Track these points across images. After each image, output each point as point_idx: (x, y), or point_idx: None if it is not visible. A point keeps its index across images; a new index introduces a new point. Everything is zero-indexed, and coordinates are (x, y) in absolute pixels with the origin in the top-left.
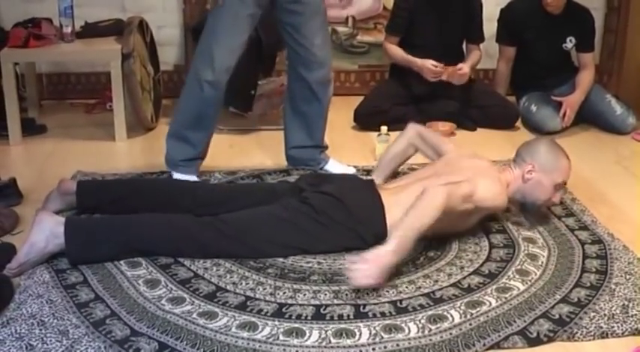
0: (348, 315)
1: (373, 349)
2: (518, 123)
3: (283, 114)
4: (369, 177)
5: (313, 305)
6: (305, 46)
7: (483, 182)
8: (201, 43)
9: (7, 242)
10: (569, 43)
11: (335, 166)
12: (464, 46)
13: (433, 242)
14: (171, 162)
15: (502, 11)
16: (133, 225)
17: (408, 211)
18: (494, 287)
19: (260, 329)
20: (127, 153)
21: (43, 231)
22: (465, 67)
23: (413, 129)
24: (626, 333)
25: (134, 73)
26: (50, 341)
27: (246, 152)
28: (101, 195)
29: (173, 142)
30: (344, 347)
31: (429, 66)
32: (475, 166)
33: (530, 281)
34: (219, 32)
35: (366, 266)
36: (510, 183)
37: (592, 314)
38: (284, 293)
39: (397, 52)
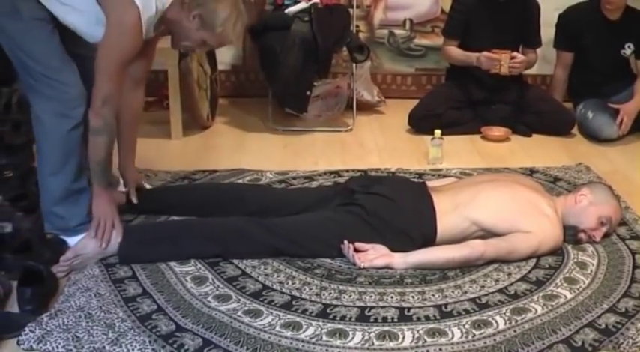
0: (393, 318)
1: None
2: (575, 130)
3: None
4: (420, 180)
5: (358, 307)
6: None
7: (547, 230)
8: None
9: (60, 237)
10: (628, 50)
11: None
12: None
13: None
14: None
15: (560, 16)
16: (183, 225)
17: (447, 247)
18: (541, 294)
19: (304, 329)
20: (182, 152)
21: None
22: (518, 55)
23: None
24: None
25: (191, 71)
26: (96, 333)
27: (299, 152)
28: (150, 206)
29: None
30: (386, 349)
31: (485, 54)
32: (535, 203)
33: (578, 289)
34: None
35: (375, 256)
36: (562, 206)
37: (639, 324)
38: (330, 293)
39: (456, 51)
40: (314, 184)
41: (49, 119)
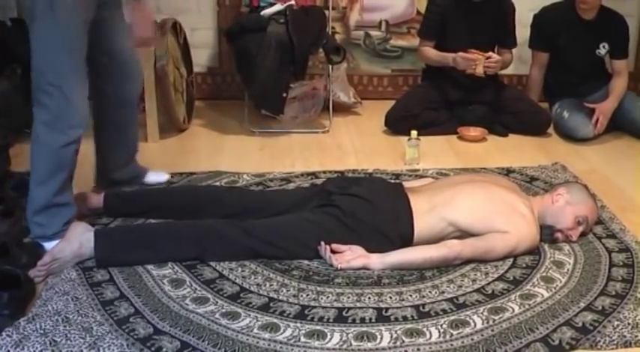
0: (370, 318)
1: None
2: (550, 130)
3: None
4: (397, 181)
5: (336, 308)
6: None
7: (524, 230)
8: None
9: (37, 241)
10: (603, 50)
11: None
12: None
13: None
14: None
15: (535, 16)
16: (160, 227)
17: (424, 247)
18: (518, 293)
19: (282, 331)
20: (159, 154)
21: (77, 235)
22: (494, 55)
23: None
24: None
25: (167, 74)
26: (74, 337)
27: (276, 154)
28: (127, 209)
29: None
30: (364, 350)
31: (460, 55)
32: (511, 203)
33: (554, 288)
34: None
35: (352, 257)
36: (538, 206)
37: (616, 322)
38: (307, 295)
39: (431, 52)
40: (291, 186)
41: (44, 132)
